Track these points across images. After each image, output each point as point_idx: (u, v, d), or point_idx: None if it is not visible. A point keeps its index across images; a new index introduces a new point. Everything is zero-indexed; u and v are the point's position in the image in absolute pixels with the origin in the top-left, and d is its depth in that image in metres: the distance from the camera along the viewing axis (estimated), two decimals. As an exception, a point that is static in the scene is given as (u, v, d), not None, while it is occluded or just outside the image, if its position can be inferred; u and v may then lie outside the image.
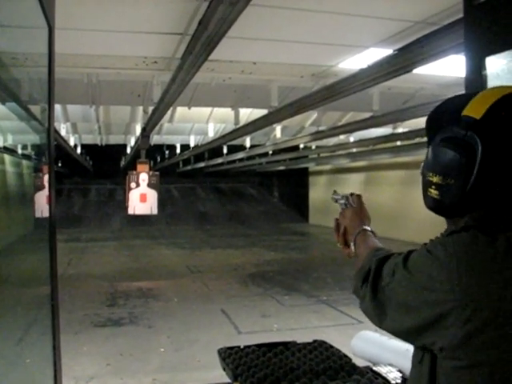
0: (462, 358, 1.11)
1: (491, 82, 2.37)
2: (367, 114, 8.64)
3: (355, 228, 1.72)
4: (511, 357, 1.07)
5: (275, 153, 18.89)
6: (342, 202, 1.88)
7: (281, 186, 30.69)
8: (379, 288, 1.32)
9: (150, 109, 7.85)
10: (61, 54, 5.30)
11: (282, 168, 24.45)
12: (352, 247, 1.70)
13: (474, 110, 1.21)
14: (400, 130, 12.13)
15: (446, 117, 1.29)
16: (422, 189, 1.34)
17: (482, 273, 1.11)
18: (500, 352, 1.08)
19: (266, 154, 19.14)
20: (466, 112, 1.22)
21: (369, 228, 1.72)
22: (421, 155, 14.97)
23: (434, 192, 1.27)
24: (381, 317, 1.31)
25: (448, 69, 6.00)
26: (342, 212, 1.83)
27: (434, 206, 1.30)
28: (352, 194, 1.85)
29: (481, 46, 2.41)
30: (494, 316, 1.08)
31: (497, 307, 1.08)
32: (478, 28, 2.44)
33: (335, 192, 1.96)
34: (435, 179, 1.26)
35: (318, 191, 26.80)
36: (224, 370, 2.47)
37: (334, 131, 10.69)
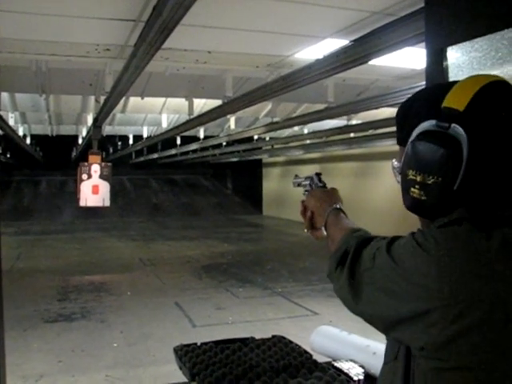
0: (445, 359, 1.05)
1: (452, 73, 2.34)
2: (322, 106, 8.63)
3: (325, 209, 1.60)
4: (500, 362, 1.02)
5: (229, 144, 18.81)
6: (307, 183, 1.74)
7: (234, 177, 30.61)
8: (357, 272, 1.23)
9: (102, 98, 7.66)
10: (7, 38, 5.08)
11: (235, 159, 24.35)
12: (323, 230, 1.58)
13: (456, 101, 1.14)
14: (354, 121, 12.19)
15: (422, 110, 1.21)
16: (401, 189, 1.25)
17: (474, 273, 1.04)
18: (488, 356, 1.02)
19: (219, 146, 19.04)
20: (446, 103, 1.15)
21: (341, 207, 1.62)
22: (374, 147, 15.16)
23: (417, 192, 1.18)
24: (356, 301, 1.23)
25: (404, 61, 6.02)
26: (309, 193, 1.72)
27: (416, 206, 1.21)
28: (318, 174, 1.71)
29: (442, 36, 2.37)
30: (485, 318, 1.02)
31: (488, 310, 1.02)
32: (438, 17, 2.40)
33: (296, 176, 1.82)
34: (419, 178, 1.17)
35: (272, 183, 26.85)
36: (181, 369, 2.38)
37: (289, 122, 10.67)
